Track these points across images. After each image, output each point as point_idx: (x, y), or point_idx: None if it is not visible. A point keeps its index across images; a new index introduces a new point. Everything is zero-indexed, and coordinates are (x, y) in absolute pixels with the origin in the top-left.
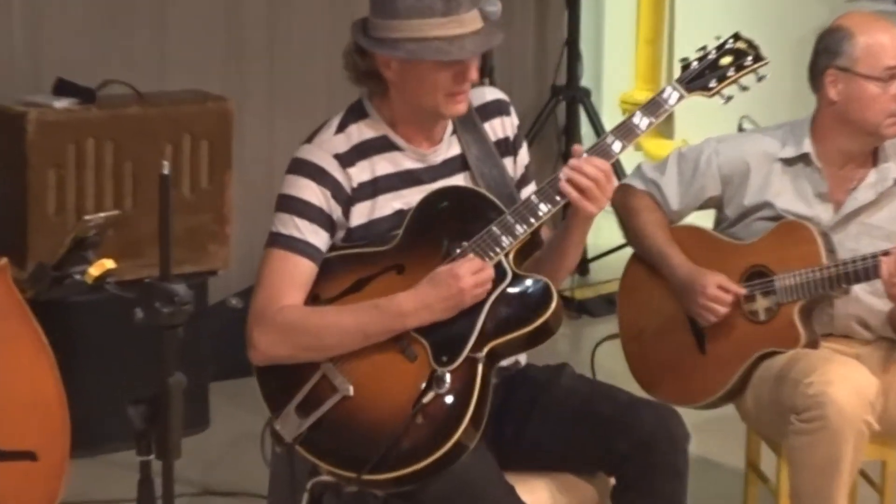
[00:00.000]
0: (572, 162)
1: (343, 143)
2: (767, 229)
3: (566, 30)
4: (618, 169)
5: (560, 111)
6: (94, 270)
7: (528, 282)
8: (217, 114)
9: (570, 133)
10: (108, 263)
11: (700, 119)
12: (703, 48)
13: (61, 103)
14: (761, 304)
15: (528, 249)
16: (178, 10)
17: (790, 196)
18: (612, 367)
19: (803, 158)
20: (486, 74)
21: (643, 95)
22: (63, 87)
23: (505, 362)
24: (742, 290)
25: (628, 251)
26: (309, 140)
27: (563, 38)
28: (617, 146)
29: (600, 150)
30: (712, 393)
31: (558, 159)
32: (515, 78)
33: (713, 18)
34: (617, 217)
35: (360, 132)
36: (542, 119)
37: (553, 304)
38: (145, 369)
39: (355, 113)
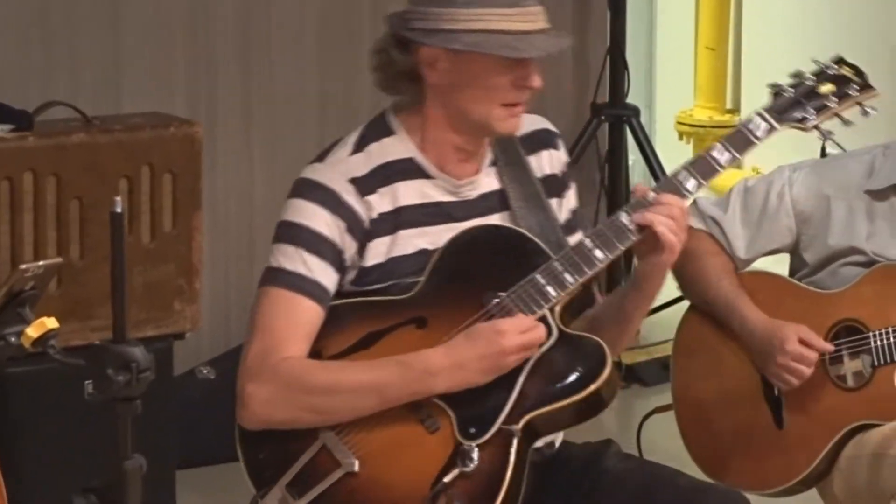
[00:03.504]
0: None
1: (362, 164)
2: (859, 276)
3: (609, 37)
4: None
5: (602, 134)
6: (33, 331)
7: (577, 342)
8: (182, 141)
9: (615, 161)
10: (50, 322)
11: (773, 143)
12: (799, 73)
13: None
14: (849, 366)
15: (578, 306)
16: (133, 15)
17: (884, 237)
18: (664, 444)
19: None
20: None
21: (704, 114)
22: None
23: (540, 442)
24: (828, 346)
25: (684, 306)
26: (320, 159)
27: (607, 46)
28: (691, 184)
29: (670, 187)
30: (792, 476)
31: (601, 193)
32: (549, 94)
33: (787, 21)
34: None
35: (383, 152)
36: (581, 144)
37: (607, 371)
38: (97, 452)
39: (377, 129)
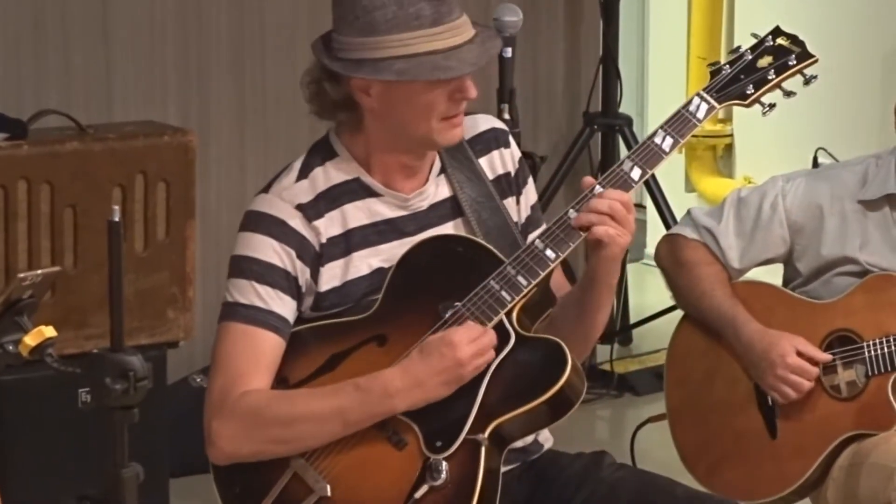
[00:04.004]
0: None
1: (307, 191)
2: (852, 285)
3: (602, 46)
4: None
5: (595, 143)
6: (31, 339)
7: (536, 344)
8: (176, 150)
9: (608, 170)
10: (48, 331)
11: (766, 153)
12: (736, 49)
13: None
14: (843, 376)
15: (538, 308)
16: (125, 25)
17: (877, 247)
18: (656, 453)
19: (889, 200)
20: (506, 100)
21: None
22: None
23: (520, 443)
24: (826, 356)
25: (678, 315)
26: (266, 189)
27: (599, 55)
28: (636, 173)
29: (616, 180)
30: (786, 485)
31: None
32: (541, 103)
33: None
34: (664, 274)
35: (328, 176)
36: (573, 153)
37: (567, 369)
38: (90, 461)
39: (321, 153)
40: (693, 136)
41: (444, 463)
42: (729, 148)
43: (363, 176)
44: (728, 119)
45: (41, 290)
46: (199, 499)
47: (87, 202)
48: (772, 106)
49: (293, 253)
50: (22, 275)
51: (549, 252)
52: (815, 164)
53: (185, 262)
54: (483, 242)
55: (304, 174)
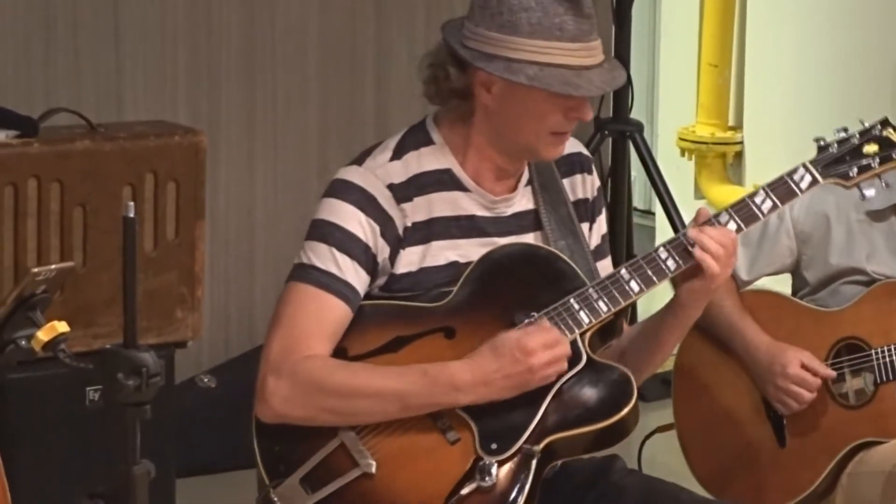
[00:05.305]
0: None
1: (400, 171)
2: (860, 294)
3: (614, 52)
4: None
5: (605, 150)
6: (44, 335)
7: (605, 370)
8: (186, 150)
9: (618, 176)
10: (61, 326)
11: (775, 161)
12: (844, 129)
13: None
14: (852, 384)
15: (606, 335)
16: (136, 24)
17: (884, 257)
18: (665, 461)
19: None
20: None
21: (706, 131)
22: None
23: None
24: (830, 373)
25: None
26: (358, 161)
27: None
28: (731, 227)
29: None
30: (795, 494)
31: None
32: None
33: (791, 37)
34: (672, 283)
35: (421, 162)
36: None
37: (632, 402)
38: (98, 459)
39: (417, 137)
40: (703, 143)
41: (496, 466)
42: (739, 156)
43: (455, 168)
44: (738, 126)
45: (54, 286)
46: (205, 499)
47: (96, 201)
48: (869, 195)
49: (378, 229)
50: (36, 269)
51: (633, 284)
52: None
53: (193, 263)
54: (569, 261)
55: (398, 155)
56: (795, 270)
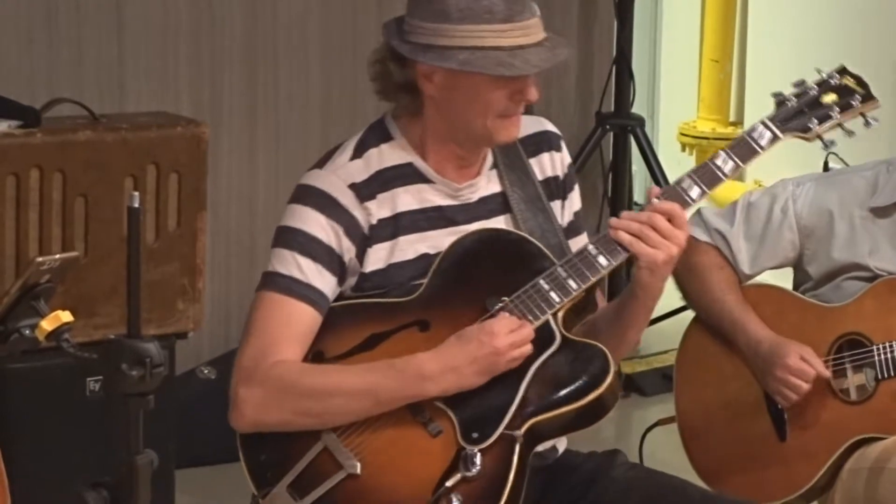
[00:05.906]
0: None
1: (361, 170)
2: (862, 289)
3: (616, 47)
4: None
5: (607, 144)
6: (48, 324)
7: (580, 348)
8: (188, 141)
9: (619, 170)
10: (65, 316)
11: (776, 157)
12: (802, 82)
13: None
14: (853, 380)
15: (580, 312)
16: (138, 15)
17: (886, 253)
18: (665, 455)
19: None
20: None
21: (707, 126)
22: (0, 107)
23: (541, 447)
24: (825, 372)
25: (687, 316)
26: (320, 165)
27: (612, 56)
28: (695, 193)
29: (673, 194)
30: (795, 489)
31: (604, 202)
32: (554, 103)
33: (792, 33)
34: (674, 275)
35: (382, 158)
36: (585, 153)
37: (609, 377)
38: (100, 450)
39: (376, 134)
40: (704, 138)
41: (479, 455)
42: None
43: (417, 161)
44: (739, 122)
45: (59, 276)
46: (204, 490)
47: (98, 192)
48: (831, 143)
49: (341, 230)
50: (40, 259)
51: (601, 259)
52: (826, 168)
53: (195, 254)
54: (536, 241)
55: (358, 153)
56: (798, 265)
